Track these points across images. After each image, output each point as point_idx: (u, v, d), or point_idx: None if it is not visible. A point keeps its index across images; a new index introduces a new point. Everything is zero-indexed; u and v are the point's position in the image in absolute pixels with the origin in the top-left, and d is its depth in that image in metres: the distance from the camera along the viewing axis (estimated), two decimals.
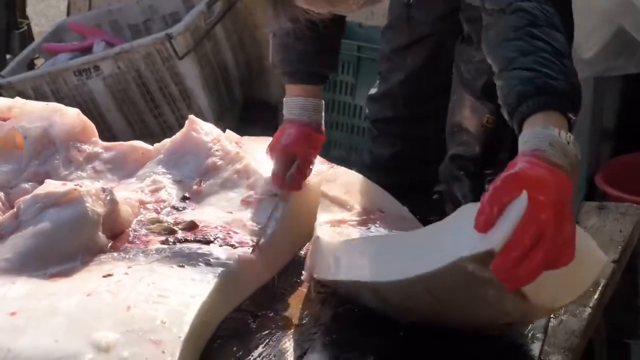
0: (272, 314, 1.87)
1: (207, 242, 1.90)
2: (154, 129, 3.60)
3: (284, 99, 2.17)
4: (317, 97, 2.15)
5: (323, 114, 2.15)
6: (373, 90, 2.55)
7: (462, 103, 2.24)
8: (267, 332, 1.81)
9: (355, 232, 1.97)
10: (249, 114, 3.88)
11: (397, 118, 2.47)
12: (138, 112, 3.60)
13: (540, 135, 1.48)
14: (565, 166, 1.46)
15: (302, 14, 1.70)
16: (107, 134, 3.46)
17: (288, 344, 1.77)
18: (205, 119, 2.33)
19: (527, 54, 1.56)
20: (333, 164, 2.21)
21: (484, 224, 1.44)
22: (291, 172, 2.05)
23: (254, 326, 1.83)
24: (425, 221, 2.06)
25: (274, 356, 1.74)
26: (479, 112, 2.20)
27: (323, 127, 2.15)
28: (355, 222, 2.01)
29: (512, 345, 1.69)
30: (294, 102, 2.13)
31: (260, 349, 1.76)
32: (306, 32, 1.80)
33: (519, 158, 1.47)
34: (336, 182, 2.11)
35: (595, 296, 1.84)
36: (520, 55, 1.56)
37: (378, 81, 2.53)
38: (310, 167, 2.11)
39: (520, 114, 1.52)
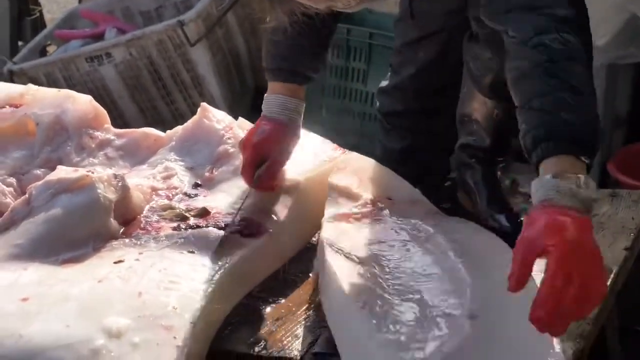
0: (283, 300, 1.87)
1: (219, 229, 1.90)
2: (166, 116, 3.58)
3: (265, 95, 2.11)
4: (300, 98, 2.08)
5: (302, 115, 2.10)
6: (384, 83, 2.54)
7: (472, 96, 2.24)
8: (278, 318, 1.82)
9: (359, 228, 1.94)
10: (261, 101, 3.85)
11: (407, 111, 2.45)
12: (150, 99, 3.59)
13: (546, 185, 1.51)
14: (577, 207, 1.48)
15: (298, 8, 1.68)
16: (119, 120, 3.44)
17: (299, 331, 1.78)
18: (216, 106, 2.33)
19: (543, 94, 1.58)
20: (345, 150, 2.21)
21: (516, 285, 1.45)
22: (259, 173, 2.00)
23: (265, 312, 1.84)
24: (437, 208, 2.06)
25: (286, 342, 1.74)
26: (488, 107, 2.20)
27: (300, 130, 2.10)
28: (360, 215, 1.98)
29: None
30: (276, 99, 2.07)
31: (271, 336, 1.76)
32: (299, 27, 1.78)
33: (531, 212, 1.51)
34: (347, 170, 2.10)
35: (607, 283, 1.80)
36: (536, 96, 1.59)
37: (389, 74, 2.53)
38: (281, 168, 2.06)
39: (536, 157, 1.55)
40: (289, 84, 2.07)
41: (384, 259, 1.82)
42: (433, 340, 1.53)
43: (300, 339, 1.75)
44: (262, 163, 2.02)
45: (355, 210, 2.00)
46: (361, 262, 1.81)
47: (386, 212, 1.99)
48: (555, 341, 1.50)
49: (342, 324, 1.69)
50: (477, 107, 2.22)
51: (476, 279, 1.65)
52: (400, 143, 2.47)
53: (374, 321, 1.60)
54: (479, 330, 1.52)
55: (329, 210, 1.98)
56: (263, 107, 2.09)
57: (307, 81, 2.09)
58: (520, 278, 1.45)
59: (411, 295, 1.68)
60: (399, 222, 1.95)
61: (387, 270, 1.77)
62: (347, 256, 1.82)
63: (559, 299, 1.41)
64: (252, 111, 3.72)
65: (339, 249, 1.83)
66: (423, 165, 2.41)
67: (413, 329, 1.57)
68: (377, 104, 2.57)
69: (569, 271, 1.42)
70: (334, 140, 2.22)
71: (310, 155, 2.16)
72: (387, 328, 1.58)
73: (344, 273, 1.75)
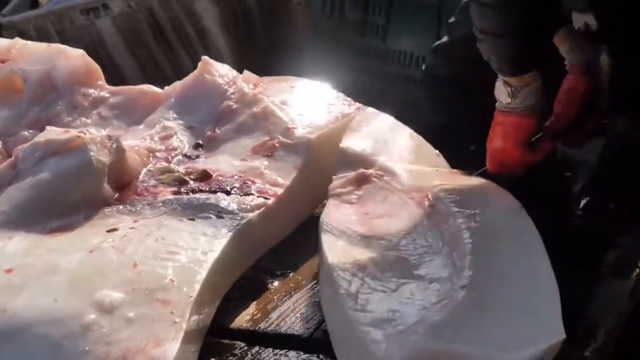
0: (291, 273, 1.87)
1: (222, 193, 1.90)
2: (168, 73, 3.57)
3: None
4: None
5: None
6: (436, 42, 2.52)
7: None
8: (286, 293, 1.81)
9: (363, 200, 1.92)
10: (272, 56, 3.87)
11: (453, 78, 2.42)
12: (150, 55, 3.59)
13: None
14: None
15: None
16: (115, 78, 3.39)
17: (309, 306, 1.77)
18: (223, 62, 2.33)
19: None
20: (361, 105, 2.19)
21: None
22: None
23: (272, 286, 1.83)
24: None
25: (294, 319, 1.73)
26: None
27: None
28: (365, 186, 1.96)
29: None
30: None
31: (278, 312, 1.75)
32: None
33: None
34: (361, 131, 2.08)
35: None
36: None
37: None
38: None
39: None
40: None
41: (384, 232, 1.80)
42: (421, 310, 1.53)
43: (310, 315, 1.74)
44: None
45: (363, 179, 1.97)
46: (359, 237, 1.79)
47: (398, 179, 1.96)
48: (555, 314, 1.48)
49: (330, 304, 1.69)
50: None
51: (478, 248, 1.65)
52: (439, 116, 2.43)
53: (361, 300, 1.59)
54: (472, 299, 1.52)
55: (335, 183, 1.96)
56: None
57: None
58: None
59: (407, 270, 1.67)
60: (408, 191, 1.92)
61: (386, 244, 1.76)
62: (344, 232, 1.80)
63: None
64: (261, 67, 3.72)
65: (334, 226, 1.81)
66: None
67: (403, 304, 1.57)
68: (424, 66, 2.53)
69: None
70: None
71: (323, 110, 2.16)
72: (374, 305, 1.57)
73: (336, 251, 1.74)
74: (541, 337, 1.40)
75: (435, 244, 1.73)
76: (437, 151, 2.12)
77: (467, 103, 2.34)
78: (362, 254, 1.72)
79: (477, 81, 2.09)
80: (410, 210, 1.86)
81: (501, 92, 1.89)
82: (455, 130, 2.36)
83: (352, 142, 2.04)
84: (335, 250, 1.73)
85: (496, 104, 1.91)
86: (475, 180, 1.93)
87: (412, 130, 2.15)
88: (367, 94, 3.35)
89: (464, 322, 1.47)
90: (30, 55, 2.27)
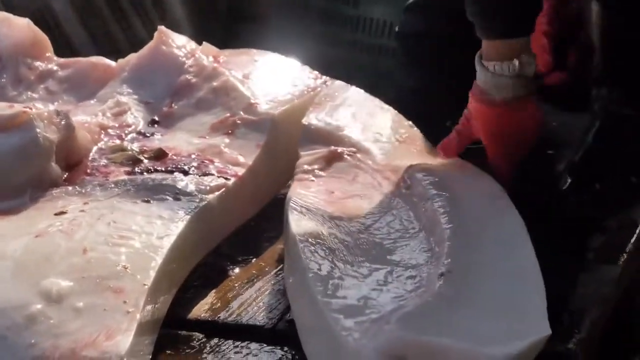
0: (254, 259, 1.84)
1: (179, 173, 1.88)
2: (122, 44, 3.55)
3: None
4: None
5: None
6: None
7: None
8: (248, 280, 1.78)
9: (332, 180, 1.87)
10: (234, 27, 3.86)
11: (432, 34, 2.36)
12: (103, 24, 3.55)
13: None
14: None
15: None
16: (65, 50, 3.39)
17: (273, 295, 1.73)
18: (181, 33, 2.32)
19: None
20: (328, 79, 2.17)
21: None
22: None
23: (232, 273, 1.81)
24: None
25: (256, 308, 1.70)
26: None
27: None
28: (334, 164, 1.91)
29: None
30: None
31: (239, 301, 1.72)
32: None
33: None
34: (327, 105, 2.05)
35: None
36: None
37: None
38: None
39: None
40: None
41: (356, 214, 1.76)
42: (396, 299, 1.49)
43: (274, 304, 1.70)
44: None
45: (331, 157, 1.93)
46: (329, 218, 1.74)
47: (371, 157, 1.93)
48: (539, 308, 1.44)
49: (297, 290, 1.65)
50: None
51: (457, 234, 1.61)
52: (414, 82, 2.37)
53: (331, 286, 1.54)
54: (450, 287, 1.47)
55: (303, 159, 1.92)
56: None
57: None
58: None
59: (381, 254, 1.64)
60: (382, 170, 1.89)
61: (358, 227, 1.72)
62: (313, 211, 1.76)
63: None
64: (223, 39, 3.69)
65: (303, 207, 1.77)
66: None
67: (376, 291, 1.52)
68: (397, 28, 2.49)
69: None
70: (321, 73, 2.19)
71: (287, 84, 2.15)
72: (346, 291, 1.53)
73: (305, 231, 1.69)
74: (524, 332, 1.34)
75: (412, 228, 1.69)
76: (410, 122, 2.09)
77: (445, 66, 2.30)
78: (333, 236, 1.67)
79: (457, 38, 2.05)
80: (384, 191, 1.83)
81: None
82: (431, 99, 2.31)
83: (316, 118, 2.01)
84: (304, 230, 1.68)
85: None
86: (454, 161, 1.89)
87: (383, 103, 2.11)
88: (336, 66, 3.33)
89: (440, 313, 1.41)
90: None
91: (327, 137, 1.97)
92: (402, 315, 1.41)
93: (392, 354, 1.35)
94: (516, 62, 1.75)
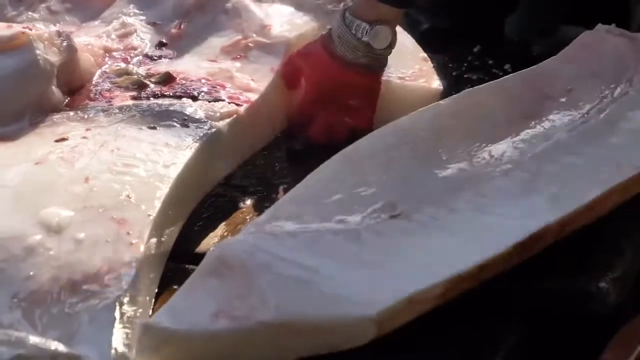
0: (265, 192, 1.82)
1: (187, 98, 1.88)
2: None
3: None
4: None
5: None
6: None
7: None
8: (259, 212, 1.74)
9: None
10: None
11: None
12: None
13: None
14: None
15: None
16: None
17: None
18: None
19: None
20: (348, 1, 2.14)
21: None
22: None
23: (243, 205, 1.79)
24: None
25: None
26: None
27: None
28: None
29: None
30: None
31: None
32: None
33: None
34: None
35: None
36: None
37: None
38: None
39: None
40: None
41: None
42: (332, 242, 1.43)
43: None
44: None
45: None
46: None
47: None
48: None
49: None
50: None
51: (418, 168, 1.58)
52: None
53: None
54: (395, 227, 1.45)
55: None
56: None
57: None
58: None
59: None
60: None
61: None
62: None
63: None
64: None
65: None
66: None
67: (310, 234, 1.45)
68: None
69: None
70: None
71: (304, 8, 2.16)
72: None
73: None
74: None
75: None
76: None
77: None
78: None
79: None
80: None
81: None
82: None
83: None
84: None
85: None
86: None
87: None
88: None
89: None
90: None
91: None
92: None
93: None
94: (374, 28, 1.83)
